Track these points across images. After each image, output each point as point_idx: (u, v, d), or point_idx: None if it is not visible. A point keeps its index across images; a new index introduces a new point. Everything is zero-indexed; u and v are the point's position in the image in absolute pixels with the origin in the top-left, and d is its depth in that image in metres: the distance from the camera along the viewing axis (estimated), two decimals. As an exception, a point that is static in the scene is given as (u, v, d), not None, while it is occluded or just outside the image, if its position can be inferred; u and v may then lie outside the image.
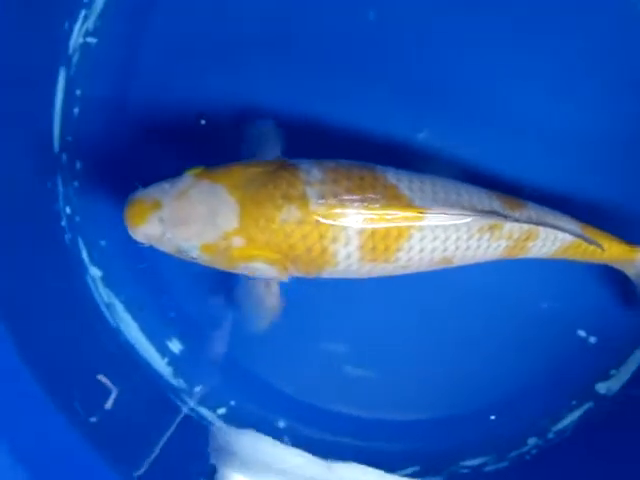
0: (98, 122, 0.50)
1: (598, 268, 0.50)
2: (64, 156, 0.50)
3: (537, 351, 0.51)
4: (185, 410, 0.49)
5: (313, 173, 0.41)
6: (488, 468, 0.50)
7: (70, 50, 0.50)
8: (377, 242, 0.41)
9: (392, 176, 0.42)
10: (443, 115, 0.50)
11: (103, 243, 0.50)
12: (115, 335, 0.50)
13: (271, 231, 0.40)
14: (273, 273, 0.42)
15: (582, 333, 0.51)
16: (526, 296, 0.51)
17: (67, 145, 0.50)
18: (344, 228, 0.41)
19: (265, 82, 0.49)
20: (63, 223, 0.50)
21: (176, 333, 0.50)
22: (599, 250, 0.47)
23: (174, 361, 0.50)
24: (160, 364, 0.50)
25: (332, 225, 0.40)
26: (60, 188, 0.50)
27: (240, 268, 0.42)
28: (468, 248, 0.44)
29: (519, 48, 0.50)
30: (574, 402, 0.51)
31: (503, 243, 0.44)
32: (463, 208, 0.42)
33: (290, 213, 0.40)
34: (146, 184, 0.42)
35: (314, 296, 0.48)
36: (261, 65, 0.49)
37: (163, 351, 0.50)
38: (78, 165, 0.50)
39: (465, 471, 0.50)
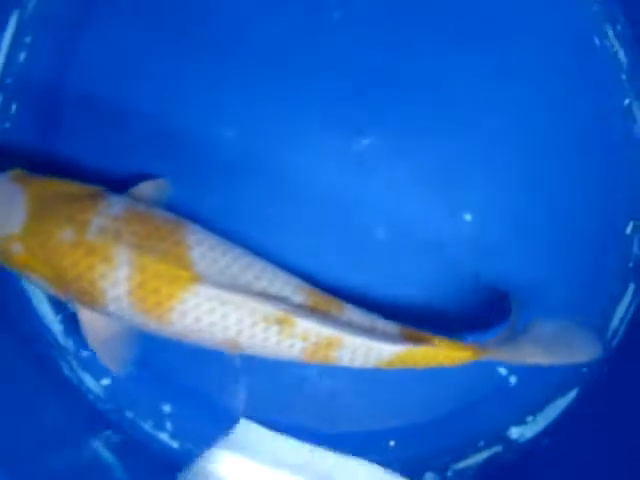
0: (43, 72, 0.49)
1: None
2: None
3: (452, 381, 0.48)
4: (66, 372, 0.47)
5: (115, 208, 0.41)
6: (377, 495, 0.47)
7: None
8: (147, 294, 0.40)
9: (194, 239, 0.41)
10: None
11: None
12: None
13: (47, 248, 0.40)
14: (51, 291, 0.42)
15: (503, 371, 0.48)
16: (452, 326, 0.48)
17: (6, 87, 0.49)
18: (114, 268, 0.39)
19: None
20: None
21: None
22: (436, 360, 0.42)
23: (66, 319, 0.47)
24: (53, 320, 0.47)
25: (103, 261, 0.39)
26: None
27: (21, 273, 0.42)
28: (254, 336, 0.41)
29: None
30: (482, 443, 0.48)
31: (298, 344, 0.41)
32: (246, 290, 0.40)
33: (66, 234, 0.40)
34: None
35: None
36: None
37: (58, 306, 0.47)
38: (13, 108, 0.49)
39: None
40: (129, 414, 0.47)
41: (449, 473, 0.47)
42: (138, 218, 0.41)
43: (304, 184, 0.47)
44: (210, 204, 0.47)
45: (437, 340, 0.42)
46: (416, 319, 0.45)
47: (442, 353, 0.42)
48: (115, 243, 0.39)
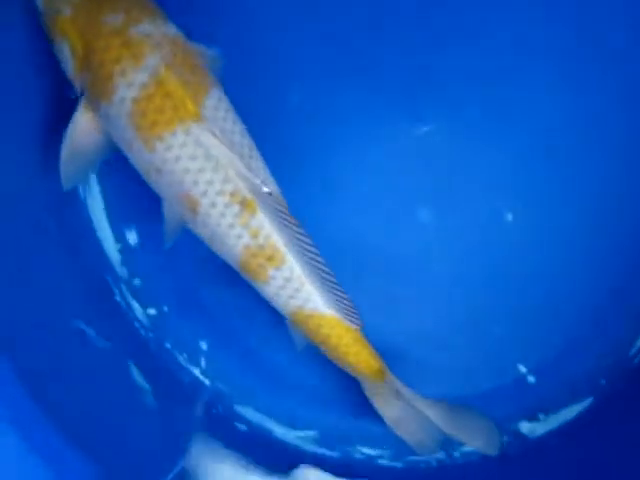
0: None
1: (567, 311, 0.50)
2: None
3: (471, 367, 0.50)
4: (118, 299, 0.50)
5: (170, 30, 0.42)
6: (382, 462, 0.50)
7: None
8: (149, 110, 0.40)
9: (217, 94, 0.42)
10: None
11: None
12: (80, 207, 0.50)
13: (91, 22, 0.41)
14: (70, 68, 0.42)
15: (522, 368, 0.50)
16: (481, 316, 0.50)
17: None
18: (136, 69, 0.40)
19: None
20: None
21: (135, 225, 0.51)
22: (347, 347, 0.43)
23: (126, 250, 0.51)
24: (112, 248, 0.51)
25: (130, 58, 0.40)
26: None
27: (55, 42, 0.43)
28: (214, 205, 0.41)
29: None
30: (492, 432, 0.50)
31: (246, 237, 0.41)
32: (234, 159, 0.40)
33: (114, 19, 0.41)
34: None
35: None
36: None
37: (119, 237, 0.51)
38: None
39: (359, 456, 0.50)
40: (168, 345, 0.50)
41: (456, 453, 0.50)
42: (183, 48, 0.42)
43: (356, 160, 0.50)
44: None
45: (361, 336, 0.43)
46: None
47: (356, 348, 0.43)
48: (151, 49, 0.40)
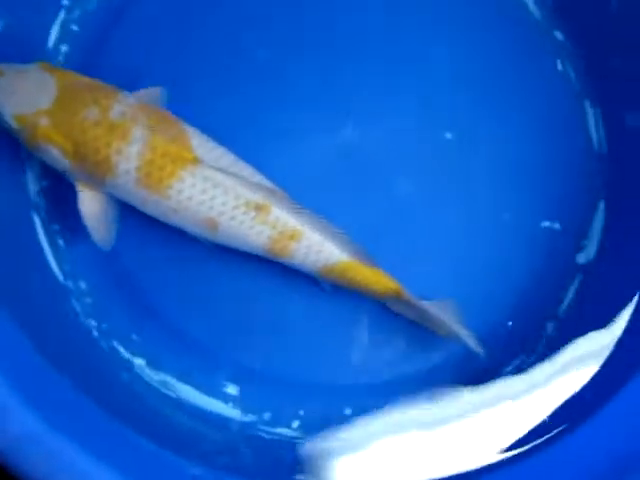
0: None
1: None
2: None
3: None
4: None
5: (130, 100, 0.49)
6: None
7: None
8: (153, 170, 0.47)
9: (191, 131, 0.49)
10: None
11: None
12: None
13: (73, 123, 0.47)
14: (64, 165, 0.49)
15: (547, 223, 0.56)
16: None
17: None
18: (129, 144, 0.48)
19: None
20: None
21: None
22: (368, 280, 0.50)
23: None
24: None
25: (120, 138, 0.48)
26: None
27: (39, 149, 0.49)
28: (233, 218, 0.48)
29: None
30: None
31: (267, 231, 0.49)
32: (236, 176, 0.48)
33: (91, 112, 0.48)
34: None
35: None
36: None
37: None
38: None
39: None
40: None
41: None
42: (148, 108, 0.49)
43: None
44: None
45: (378, 268, 0.50)
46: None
47: (375, 278, 0.50)
48: (133, 124, 0.47)
